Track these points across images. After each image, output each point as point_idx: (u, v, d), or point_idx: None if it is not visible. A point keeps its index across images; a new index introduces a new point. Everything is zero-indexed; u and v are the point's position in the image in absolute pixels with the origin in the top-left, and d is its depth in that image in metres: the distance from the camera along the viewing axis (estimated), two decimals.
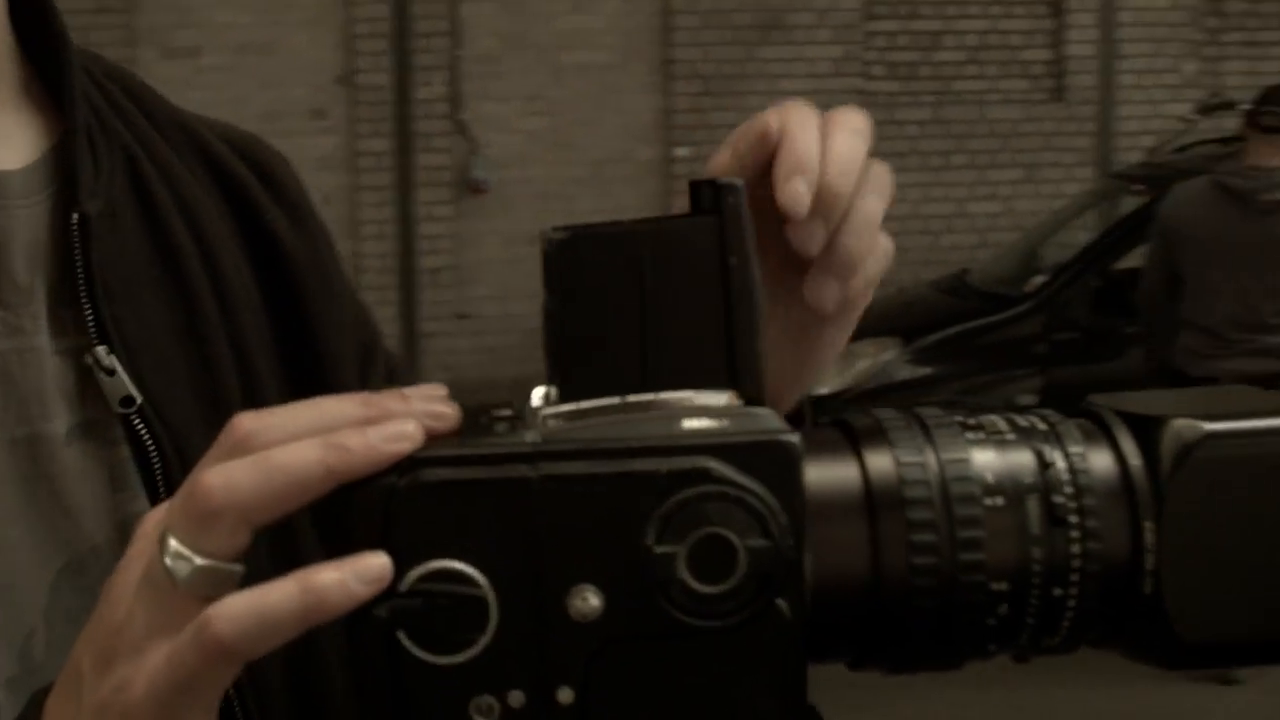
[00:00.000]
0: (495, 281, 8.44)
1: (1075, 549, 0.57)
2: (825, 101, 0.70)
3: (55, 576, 0.71)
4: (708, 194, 0.56)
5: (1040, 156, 9.03)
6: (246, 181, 0.84)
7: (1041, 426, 0.60)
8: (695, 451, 0.53)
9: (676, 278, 0.55)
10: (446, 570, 0.51)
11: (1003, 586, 0.57)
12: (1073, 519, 0.57)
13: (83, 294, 0.72)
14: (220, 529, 0.51)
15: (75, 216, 0.72)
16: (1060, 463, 0.58)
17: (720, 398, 0.55)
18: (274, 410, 0.54)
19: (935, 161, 8.91)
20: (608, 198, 8.46)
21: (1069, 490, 0.57)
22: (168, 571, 0.51)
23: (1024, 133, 9.00)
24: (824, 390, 6.33)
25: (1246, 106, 6.58)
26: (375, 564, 0.55)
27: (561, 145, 8.56)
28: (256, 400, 0.77)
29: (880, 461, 0.58)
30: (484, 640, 0.51)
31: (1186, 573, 0.58)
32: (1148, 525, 0.57)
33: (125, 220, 0.75)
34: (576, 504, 0.52)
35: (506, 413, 0.56)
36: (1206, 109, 7.08)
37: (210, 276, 0.78)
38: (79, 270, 0.72)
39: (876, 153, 0.68)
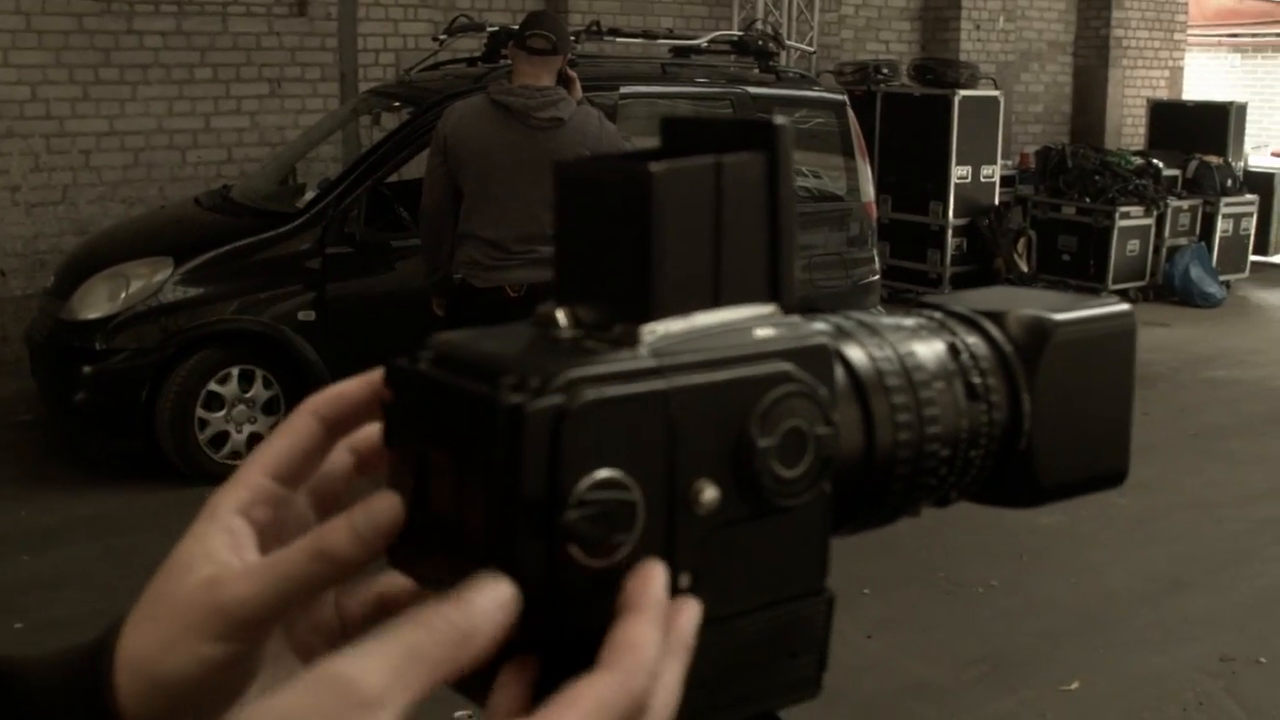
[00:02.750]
0: None
1: (984, 418, 0.70)
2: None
3: None
4: (760, 131, 0.62)
5: (285, 71, 9.02)
6: None
7: (931, 324, 0.73)
8: (775, 357, 0.60)
9: (737, 206, 0.61)
10: (608, 480, 0.55)
11: (946, 452, 0.69)
12: (982, 394, 0.70)
13: None
14: None
15: None
16: (965, 352, 0.71)
17: (768, 309, 0.62)
18: None
19: (179, 74, 8.64)
20: None
21: (976, 373, 0.70)
22: None
23: (267, 47, 8.94)
24: (94, 315, 6.03)
25: (494, 28, 6.98)
26: (386, 515, 0.60)
27: None
28: None
29: (857, 355, 0.68)
30: (631, 541, 0.56)
31: (1048, 431, 0.72)
32: (1025, 397, 0.71)
33: None
34: (700, 409, 0.58)
35: (572, 333, 0.61)
36: (454, 30, 7.40)
37: None
38: None
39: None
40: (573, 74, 5.16)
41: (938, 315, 0.73)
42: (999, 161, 11.07)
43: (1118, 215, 10.93)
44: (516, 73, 4.98)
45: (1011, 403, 0.71)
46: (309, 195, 6.63)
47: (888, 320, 0.72)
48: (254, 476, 0.66)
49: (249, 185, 7.18)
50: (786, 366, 0.60)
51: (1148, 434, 6.93)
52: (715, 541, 0.60)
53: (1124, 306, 0.76)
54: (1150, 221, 11.19)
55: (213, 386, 6.13)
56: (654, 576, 0.56)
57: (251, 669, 0.65)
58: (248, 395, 6.21)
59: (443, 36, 7.58)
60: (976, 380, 0.70)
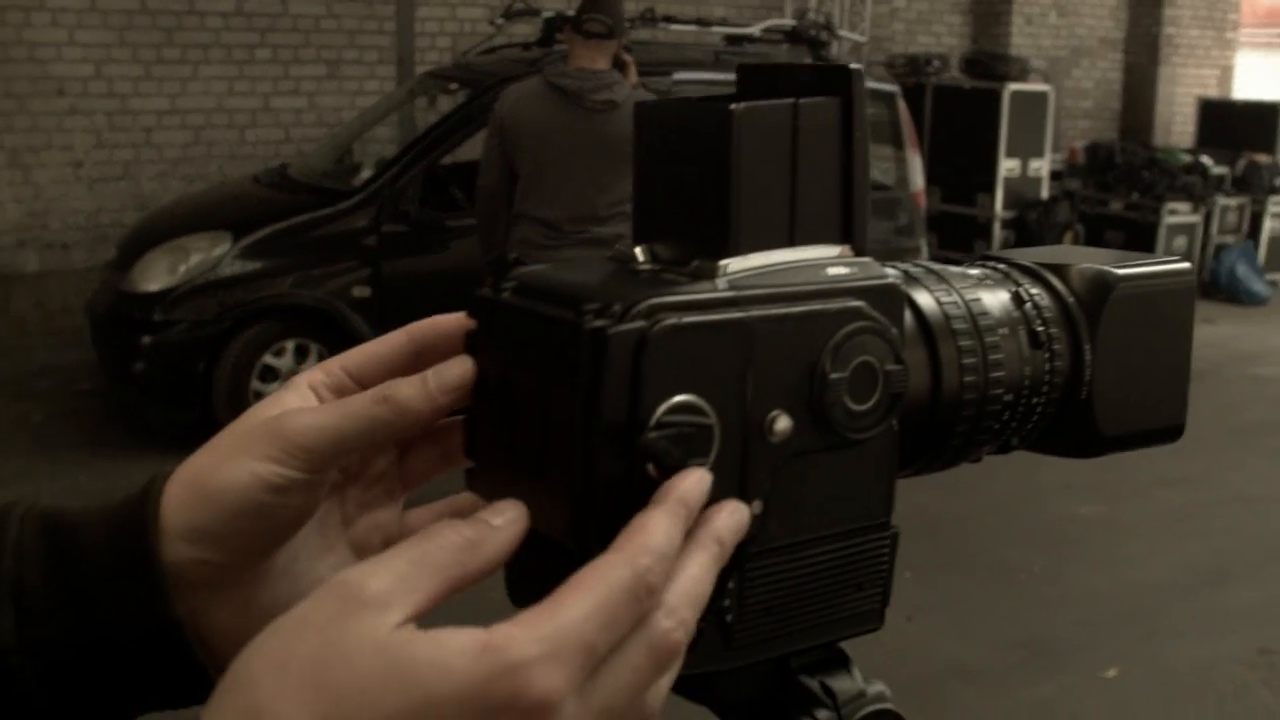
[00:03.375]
0: None
1: (1047, 366, 0.73)
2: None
3: None
4: (835, 77, 0.64)
5: (343, 53, 9.12)
6: None
7: (996, 274, 0.76)
8: (848, 294, 0.62)
9: (812, 148, 0.63)
10: (686, 404, 0.57)
11: (1009, 398, 0.72)
12: (1045, 344, 0.73)
13: None
14: None
15: None
16: (1029, 301, 0.74)
17: (841, 249, 0.64)
18: None
19: (239, 55, 8.75)
20: None
21: (1039, 322, 0.73)
22: None
23: (326, 29, 9.03)
24: (154, 287, 6.13)
25: (549, 13, 7.04)
26: (456, 372, 0.63)
27: None
28: None
29: (925, 300, 0.70)
30: (706, 465, 0.57)
31: (1108, 382, 0.75)
32: (1086, 347, 0.74)
33: None
34: (776, 341, 0.59)
35: (644, 264, 0.62)
36: (511, 14, 7.46)
37: None
38: None
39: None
40: (628, 58, 5.19)
41: (1002, 266, 0.75)
42: (1048, 156, 11.05)
43: (1165, 211, 10.87)
44: (572, 56, 5.00)
45: (1073, 353, 0.73)
46: (365, 174, 6.69)
47: (954, 269, 0.74)
48: (334, 366, 0.68)
49: (306, 164, 7.25)
50: (859, 303, 0.61)
51: (1191, 429, 6.89)
52: (787, 471, 0.61)
53: (1184, 264, 0.77)
54: (1197, 219, 11.14)
55: (268, 359, 6.21)
56: (686, 476, 0.56)
57: (301, 511, 0.65)
58: (302, 368, 6.28)
59: (499, 21, 7.64)
60: (1040, 329, 0.71)
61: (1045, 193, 11.03)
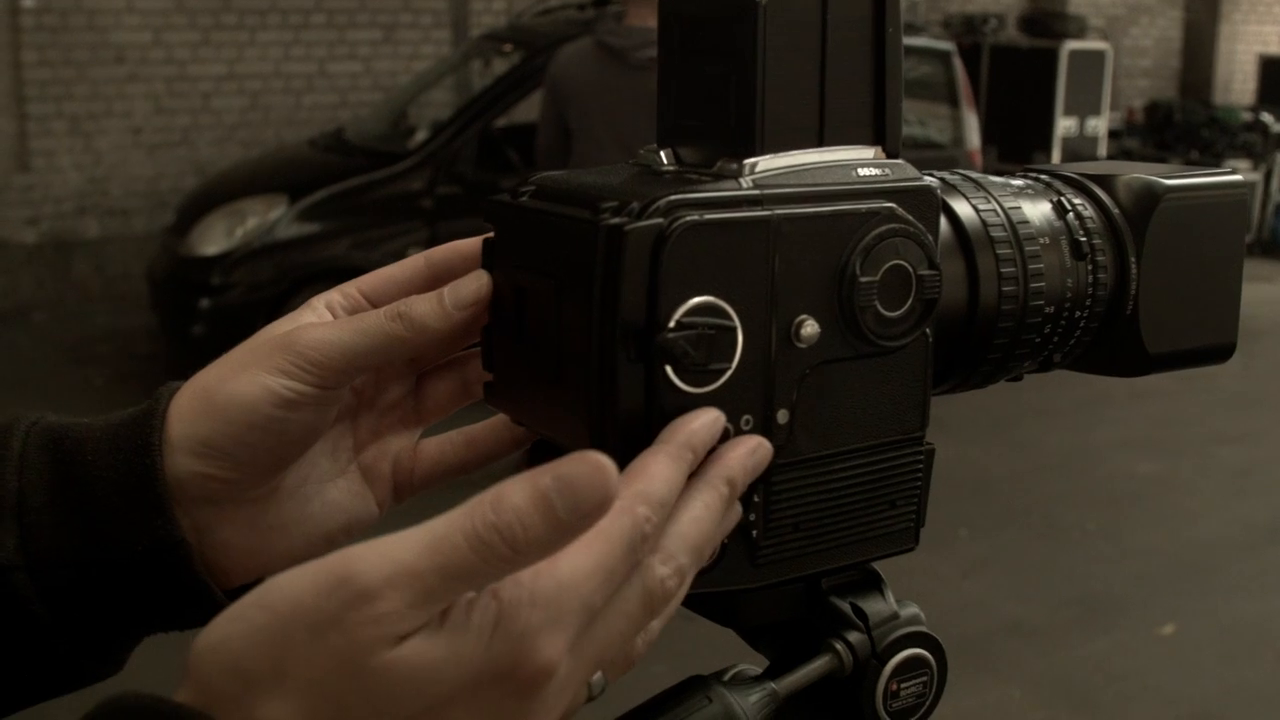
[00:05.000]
0: None
1: (1089, 279, 0.71)
2: None
3: None
4: None
5: (399, 18, 9.13)
6: None
7: (1039, 184, 0.74)
8: (879, 195, 0.60)
9: (843, 44, 0.60)
10: (707, 305, 0.55)
11: (1050, 309, 0.70)
12: (1088, 255, 0.71)
13: None
14: None
15: None
16: (1071, 211, 0.72)
17: (873, 151, 0.62)
18: None
19: (295, 20, 8.77)
20: None
21: (1081, 233, 0.71)
22: None
23: None
24: (212, 251, 6.17)
25: None
26: (472, 287, 0.62)
27: None
28: None
29: (963, 208, 0.69)
30: (729, 370, 0.56)
31: (1155, 297, 0.72)
32: (1131, 260, 0.72)
33: None
34: (802, 241, 0.57)
35: (668, 166, 0.61)
36: None
37: None
38: None
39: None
40: None
41: (1044, 177, 0.73)
42: (1105, 114, 10.91)
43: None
44: (627, 15, 5.01)
45: (1118, 266, 0.71)
46: (421, 136, 6.70)
47: (995, 179, 0.71)
48: (351, 288, 0.67)
49: (362, 127, 7.26)
50: (890, 205, 0.59)
51: (1250, 387, 6.87)
52: (815, 379, 0.58)
53: (1236, 177, 0.74)
54: (1258, 176, 10.98)
55: None
56: (696, 416, 0.54)
57: (311, 428, 0.64)
58: None
59: None
60: (1082, 239, 0.69)
61: (1103, 152, 10.89)
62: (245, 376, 0.62)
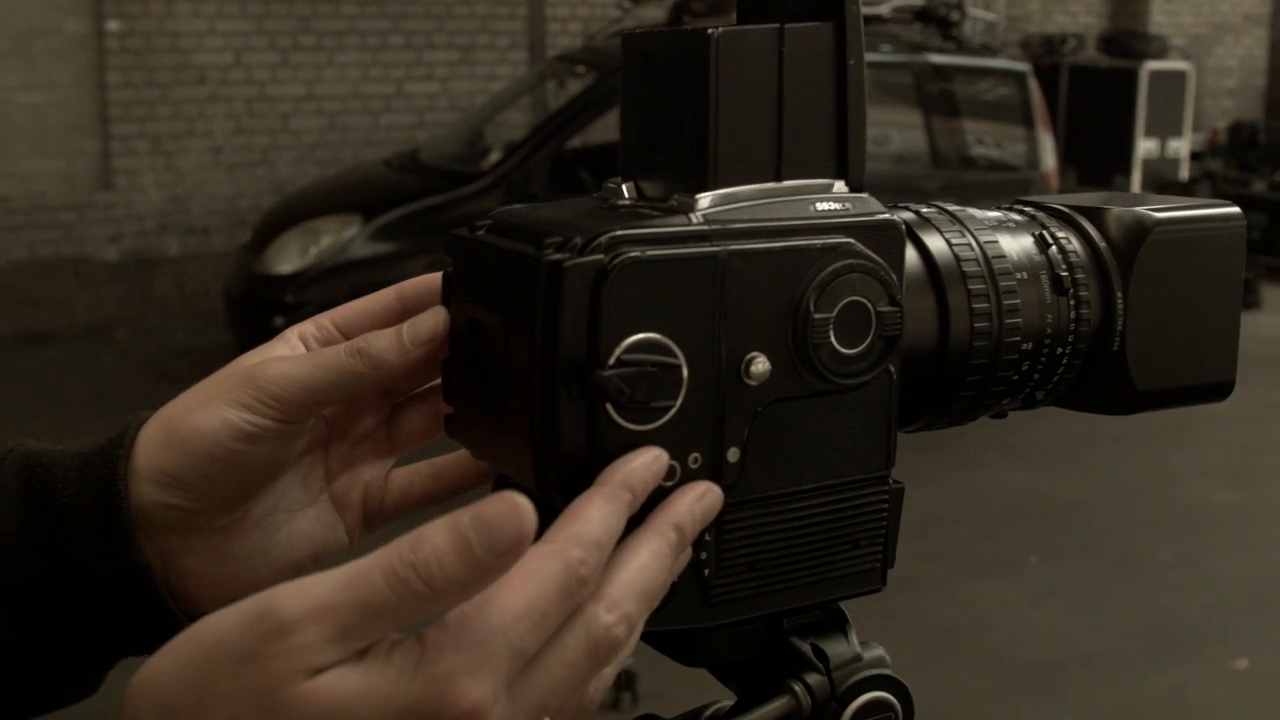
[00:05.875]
0: None
1: (1072, 314, 0.69)
2: None
3: None
4: (832, 1, 0.60)
5: (476, 39, 9.21)
6: None
7: (1022, 218, 0.72)
8: (835, 230, 0.59)
9: (801, 76, 0.60)
10: (649, 342, 0.54)
11: (1027, 346, 0.68)
12: (1070, 290, 0.69)
13: None
14: None
15: None
16: (1053, 245, 0.70)
17: (834, 184, 0.61)
18: None
19: (373, 41, 8.88)
20: (33, 71, 7.88)
21: (1064, 267, 0.69)
22: None
23: (459, 15, 9.13)
24: (286, 269, 6.24)
25: None
26: (429, 324, 0.62)
27: None
28: None
29: (935, 243, 0.67)
30: (674, 408, 0.55)
31: (1144, 333, 0.70)
32: (1118, 295, 0.69)
33: None
34: (753, 277, 0.56)
35: (626, 201, 0.60)
36: None
37: None
38: None
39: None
40: None
41: (1028, 209, 0.71)
42: (1188, 136, 10.76)
43: None
44: None
45: (1103, 301, 0.68)
46: (494, 157, 6.75)
47: (974, 212, 0.69)
48: (325, 319, 0.68)
49: (436, 147, 7.33)
50: (849, 240, 0.58)
51: None
52: (769, 416, 0.58)
53: (1233, 209, 0.72)
54: None
55: None
56: (636, 455, 0.54)
57: (274, 461, 0.65)
58: None
59: (628, 4, 7.68)
60: (1064, 273, 0.67)
61: (1185, 174, 10.74)
62: (208, 410, 0.63)
